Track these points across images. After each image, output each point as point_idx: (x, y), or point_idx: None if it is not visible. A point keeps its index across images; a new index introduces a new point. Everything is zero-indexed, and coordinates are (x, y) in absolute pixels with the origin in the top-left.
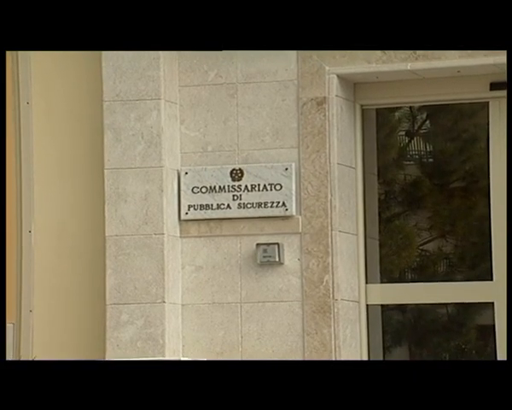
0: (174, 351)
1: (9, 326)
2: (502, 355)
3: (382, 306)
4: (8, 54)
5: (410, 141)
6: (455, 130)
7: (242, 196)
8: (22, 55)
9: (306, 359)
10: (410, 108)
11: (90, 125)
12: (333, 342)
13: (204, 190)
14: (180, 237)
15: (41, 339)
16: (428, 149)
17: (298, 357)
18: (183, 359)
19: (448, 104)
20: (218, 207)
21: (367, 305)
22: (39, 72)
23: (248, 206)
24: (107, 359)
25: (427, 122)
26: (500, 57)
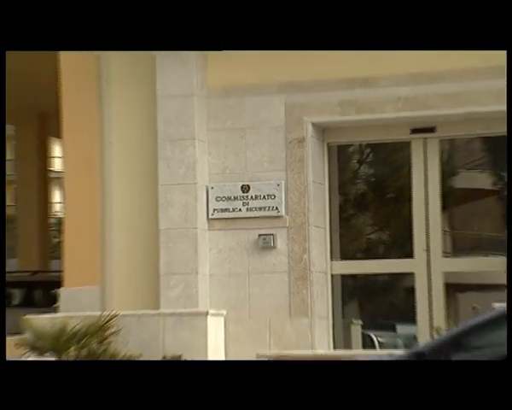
0: (204, 305)
1: (96, 288)
2: (420, 307)
3: (342, 275)
4: (96, 103)
5: (359, 167)
6: (389, 160)
7: (249, 203)
8: (106, 106)
9: (292, 311)
10: (360, 145)
11: (150, 156)
12: (309, 299)
13: (224, 199)
14: (208, 230)
15: (118, 297)
16: (371, 172)
17: (286, 310)
18: (210, 311)
19: (384, 143)
20: (233, 210)
21: (332, 275)
22: (117, 119)
23: (253, 209)
24: (160, 310)
25: (371, 154)
26: (418, 112)
